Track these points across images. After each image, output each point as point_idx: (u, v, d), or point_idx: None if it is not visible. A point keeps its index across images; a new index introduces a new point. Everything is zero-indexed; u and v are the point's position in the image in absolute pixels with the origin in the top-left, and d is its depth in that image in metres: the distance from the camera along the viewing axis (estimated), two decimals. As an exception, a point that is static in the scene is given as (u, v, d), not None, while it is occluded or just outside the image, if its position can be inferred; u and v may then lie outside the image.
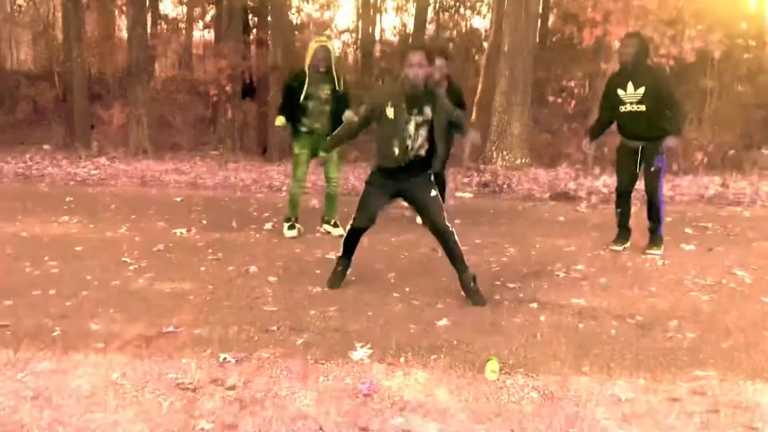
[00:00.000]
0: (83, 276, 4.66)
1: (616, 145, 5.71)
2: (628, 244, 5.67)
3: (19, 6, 19.17)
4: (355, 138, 4.70)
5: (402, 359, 3.28)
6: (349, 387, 2.97)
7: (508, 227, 6.62)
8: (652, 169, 5.37)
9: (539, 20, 13.14)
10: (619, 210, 5.70)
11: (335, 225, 6.16)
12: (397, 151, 4.12)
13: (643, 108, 5.21)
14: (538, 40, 11.58)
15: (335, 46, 16.12)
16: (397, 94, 4.12)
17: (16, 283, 4.48)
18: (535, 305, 4.15)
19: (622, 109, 5.32)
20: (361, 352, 3.34)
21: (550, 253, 5.56)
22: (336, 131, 4.68)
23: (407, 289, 4.45)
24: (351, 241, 4.48)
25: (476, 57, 16.92)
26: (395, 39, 20.19)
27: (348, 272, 4.57)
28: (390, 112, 4.09)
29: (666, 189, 9.00)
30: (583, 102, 13.28)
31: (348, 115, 5.58)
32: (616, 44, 10.07)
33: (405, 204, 4.83)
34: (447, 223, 4.21)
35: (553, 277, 4.82)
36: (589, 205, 7.90)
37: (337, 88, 5.83)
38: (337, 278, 4.50)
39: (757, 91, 12.08)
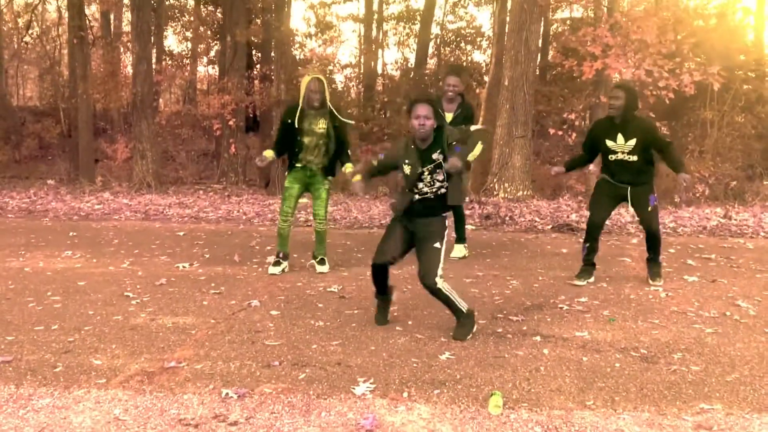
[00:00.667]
0: (86, 311, 4.66)
1: (598, 180, 5.70)
2: (591, 279, 5.62)
3: (26, 43, 19.47)
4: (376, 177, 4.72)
5: (405, 394, 3.26)
6: (352, 422, 2.95)
7: (510, 259, 6.62)
8: (649, 209, 5.42)
9: (539, 54, 13.30)
10: (588, 245, 5.60)
11: (321, 262, 6.09)
12: (400, 198, 4.29)
13: (634, 158, 5.30)
14: (538, 73, 11.70)
15: (333, 79, 16.39)
16: (410, 152, 4.19)
17: (19, 318, 4.48)
18: (538, 338, 4.13)
19: (612, 157, 5.38)
20: (363, 387, 3.32)
21: (552, 285, 5.55)
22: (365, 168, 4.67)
23: (410, 323, 4.44)
24: (376, 278, 4.34)
25: (477, 90, 17.08)
26: (397, 73, 20.41)
27: (390, 307, 4.54)
28: (407, 168, 4.20)
29: (668, 220, 9.02)
30: (584, 134, 13.38)
31: (348, 168, 5.79)
32: (616, 77, 10.18)
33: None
34: (436, 280, 4.06)
35: (557, 309, 4.81)
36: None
37: (334, 123, 5.82)
38: (380, 315, 4.45)
39: (758, 121, 12.16)
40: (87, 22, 14.82)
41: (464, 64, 20.01)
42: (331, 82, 15.70)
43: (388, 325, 4.38)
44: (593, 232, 5.58)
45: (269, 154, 5.89)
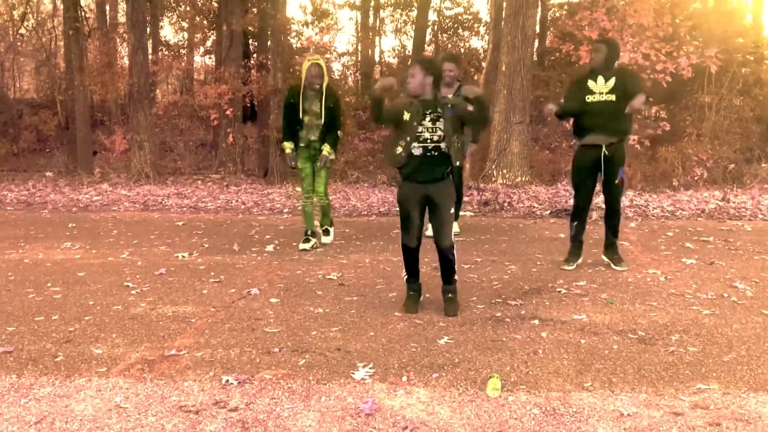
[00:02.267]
0: (86, 301, 4.68)
1: (575, 156, 5.56)
2: (579, 261, 5.64)
3: (22, 35, 19.40)
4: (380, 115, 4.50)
5: (404, 378, 3.29)
6: (351, 407, 2.98)
7: (509, 245, 6.63)
8: (617, 181, 5.34)
9: (536, 39, 13.26)
10: (575, 224, 5.60)
11: (326, 232, 6.68)
12: (400, 149, 4.23)
13: (613, 98, 5.18)
14: (535, 58, 11.68)
15: (330, 67, 16.34)
16: (411, 105, 4.25)
17: (19, 309, 4.50)
18: (536, 322, 4.15)
19: (590, 98, 5.25)
20: (362, 372, 3.35)
21: (551, 269, 5.57)
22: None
23: (409, 308, 4.45)
24: (408, 261, 4.45)
25: (475, 77, 17.04)
26: (395, 61, 20.36)
27: (421, 295, 4.54)
28: (406, 115, 4.23)
29: (666, 204, 9.04)
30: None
31: (324, 150, 6.19)
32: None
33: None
34: (453, 241, 4.29)
35: (555, 293, 4.83)
36: (589, 222, 7.90)
37: (327, 103, 6.20)
38: (411, 302, 4.44)
39: (756, 104, 12.14)
40: (82, 13, 14.73)
41: (462, 50, 19.96)
42: (329, 70, 15.65)
43: (387, 311, 4.40)
44: (581, 213, 5.60)
45: (289, 147, 6.30)
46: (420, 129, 4.20)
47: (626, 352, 3.64)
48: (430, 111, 4.22)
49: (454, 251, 4.31)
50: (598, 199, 9.26)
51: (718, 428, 2.76)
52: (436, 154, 4.21)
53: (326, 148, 6.22)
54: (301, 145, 6.28)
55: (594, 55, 5.32)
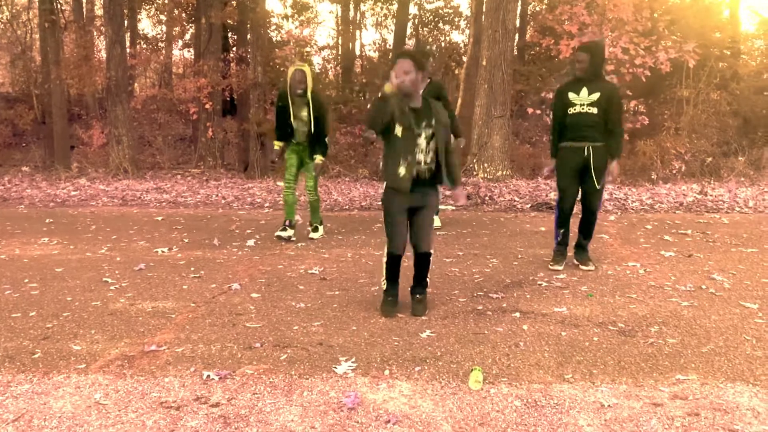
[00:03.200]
0: (64, 297, 4.62)
1: (559, 160, 5.36)
2: (565, 260, 5.52)
3: (-4, 28, 19.09)
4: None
5: (386, 372, 3.29)
6: (334, 401, 2.97)
7: (490, 238, 6.65)
8: (599, 186, 5.24)
9: (517, 34, 13.30)
10: (562, 231, 5.45)
11: (314, 229, 6.72)
12: (403, 171, 3.99)
13: (594, 110, 5.11)
14: (516, 53, 11.70)
15: (310, 60, 16.29)
16: (403, 111, 3.96)
17: (-4, 305, 4.43)
18: (517, 314, 4.17)
19: (571, 111, 5.18)
20: (345, 366, 3.34)
21: (532, 263, 5.60)
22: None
23: (391, 302, 4.45)
24: (393, 268, 4.25)
25: (456, 71, 17.06)
26: (375, 54, 20.32)
27: (396, 302, 4.31)
28: (398, 129, 3.96)
29: (645, 197, 9.12)
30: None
31: (317, 159, 6.31)
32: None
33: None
34: (431, 247, 4.20)
35: (536, 286, 4.86)
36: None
37: (313, 112, 6.25)
38: (390, 306, 4.25)
39: (732, 98, 12.28)
40: (58, 5, 14.52)
41: (442, 44, 19.96)
42: (308, 64, 15.58)
43: (369, 305, 4.40)
44: (567, 218, 5.43)
45: (278, 144, 6.45)
46: (416, 150, 3.99)
47: (606, 344, 3.67)
48: (425, 125, 3.98)
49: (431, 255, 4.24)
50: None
51: (696, 418, 2.79)
52: (427, 177, 4.07)
53: (318, 158, 6.33)
54: (292, 140, 6.38)
55: (578, 66, 5.18)
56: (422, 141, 3.99)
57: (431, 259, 4.26)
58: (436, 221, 6.91)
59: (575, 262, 5.49)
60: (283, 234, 6.45)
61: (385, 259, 4.26)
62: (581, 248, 5.49)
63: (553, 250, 5.54)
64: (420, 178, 4.04)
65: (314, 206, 6.63)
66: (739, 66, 13.15)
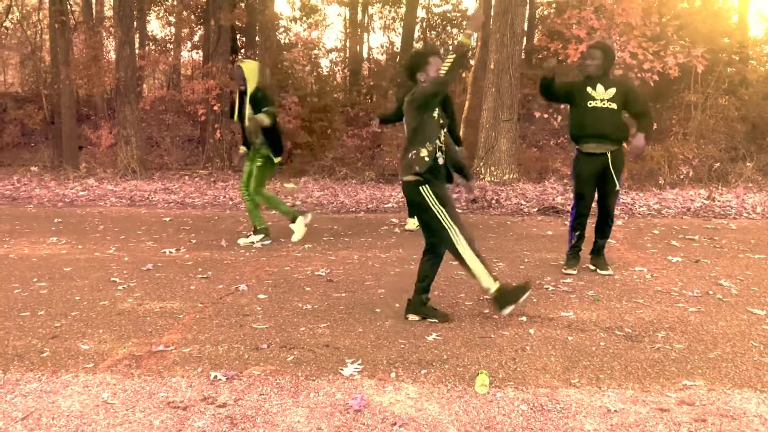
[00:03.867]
0: (72, 296, 4.65)
1: (577, 164, 5.33)
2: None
3: (6, 28, 19.19)
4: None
5: (392, 374, 3.29)
6: (340, 403, 2.98)
7: (497, 242, 6.65)
8: (617, 188, 5.24)
9: (525, 37, 13.30)
10: (577, 233, 5.44)
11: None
12: (425, 152, 3.96)
13: (614, 106, 5.08)
14: (524, 57, 11.71)
15: (318, 63, 16.31)
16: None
17: (5, 304, 4.46)
18: (524, 318, 4.17)
19: (591, 104, 5.12)
20: (351, 368, 3.35)
21: (538, 267, 5.60)
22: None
23: (397, 305, 4.46)
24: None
25: (463, 74, 17.06)
26: (383, 57, 20.34)
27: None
28: (435, 112, 4.01)
29: (653, 202, 9.10)
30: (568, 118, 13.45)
31: (241, 150, 6.59)
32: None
33: (394, 221, 4.85)
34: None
35: (542, 290, 4.85)
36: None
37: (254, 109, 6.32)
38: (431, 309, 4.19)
39: (741, 104, 12.25)
40: (68, 6, 14.61)
41: (449, 47, 19.95)
42: (316, 67, 15.61)
43: (376, 308, 4.40)
44: (584, 222, 5.40)
45: (243, 149, 6.70)
46: (441, 136, 4.03)
47: (613, 348, 3.66)
48: (441, 114, 4.08)
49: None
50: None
51: (703, 424, 2.78)
52: (441, 163, 4.07)
53: (242, 149, 6.70)
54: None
55: (590, 62, 5.15)
56: (443, 129, 4.08)
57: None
58: (412, 224, 6.95)
59: (592, 267, 5.46)
60: (254, 240, 6.54)
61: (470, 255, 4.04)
62: (598, 252, 5.47)
63: (567, 254, 5.53)
64: (440, 168, 4.04)
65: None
66: (747, 71, 13.11)
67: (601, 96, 5.12)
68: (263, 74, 6.29)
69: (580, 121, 5.21)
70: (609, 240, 6.64)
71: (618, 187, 5.25)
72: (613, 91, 5.11)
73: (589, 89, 5.17)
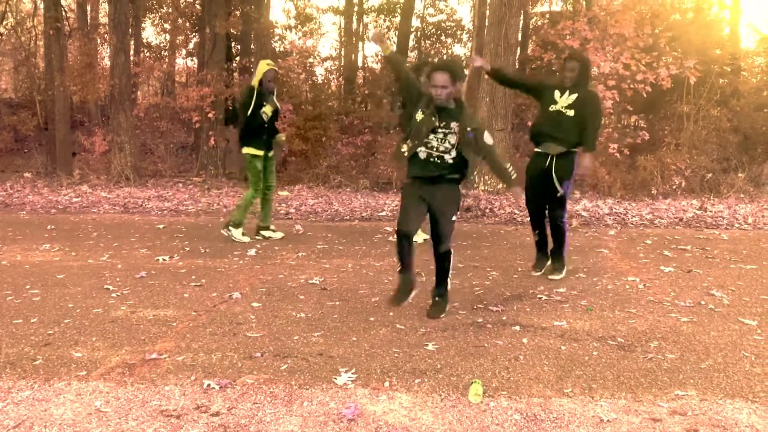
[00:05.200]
0: (65, 304, 4.63)
1: (527, 164, 5.62)
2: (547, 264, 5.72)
3: (0, 34, 19.16)
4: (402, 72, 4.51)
5: (386, 383, 3.30)
6: (334, 412, 2.98)
7: (490, 251, 6.67)
8: (558, 194, 5.36)
9: (519, 48, 13.36)
10: (537, 231, 5.67)
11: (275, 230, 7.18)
12: (405, 148, 4.26)
13: (571, 113, 5.23)
14: (517, 67, 11.76)
15: (313, 71, 16.37)
16: (429, 103, 4.20)
17: (-3, 311, 4.44)
18: (517, 328, 4.18)
19: (552, 108, 5.30)
20: (345, 377, 3.35)
21: (532, 276, 5.61)
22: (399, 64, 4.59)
23: (391, 314, 4.47)
24: (401, 249, 4.29)
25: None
26: (377, 66, 20.39)
27: (412, 292, 4.40)
28: (419, 115, 4.22)
29: (645, 212, 9.14)
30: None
31: (282, 136, 6.91)
32: (595, 71, 10.27)
33: (389, 229, 4.87)
34: (449, 246, 4.37)
35: (535, 300, 4.87)
36: (569, 229, 7.98)
37: (278, 105, 6.86)
38: (399, 294, 4.38)
39: (733, 115, 12.33)
40: (63, 12, 14.60)
41: (444, 57, 20.04)
42: (311, 75, 15.62)
43: (369, 316, 4.41)
44: (534, 220, 5.68)
45: (258, 152, 6.88)
46: (429, 138, 4.20)
47: (606, 358, 3.68)
48: (444, 125, 4.18)
49: (451, 257, 4.41)
50: (578, 206, 9.36)
51: (695, 434, 2.80)
52: (438, 161, 4.22)
53: (282, 136, 7.06)
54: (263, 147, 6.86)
55: (568, 75, 5.29)
56: (439, 133, 4.19)
57: (450, 262, 4.40)
58: (421, 236, 6.90)
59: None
60: (244, 239, 6.93)
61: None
62: (552, 255, 5.66)
63: (536, 255, 5.79)
64: (431, 160, 4.21)
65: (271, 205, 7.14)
66: (739, 83, 13.20)
67: (564, 102, 5.28)
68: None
69: (538, 124, 5.48)
70: (602, 249, 6.68)
71: (559, 194, 5.38)
72: (574, 97, 5.25)
73: (556, 93, 5.34)
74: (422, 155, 4.22)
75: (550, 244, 5.66)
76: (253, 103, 6.62)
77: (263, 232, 7.11)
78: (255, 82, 6.68)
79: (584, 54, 5.68)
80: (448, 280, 4.48)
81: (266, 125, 6.73)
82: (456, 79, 4.14)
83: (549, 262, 5.66)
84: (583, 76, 5.30)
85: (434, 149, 4.20)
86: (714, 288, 5.23)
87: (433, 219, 4.34)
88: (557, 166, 5.33)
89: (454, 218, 4.34)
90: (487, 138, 4.24)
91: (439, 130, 4.18)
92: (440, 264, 4.42)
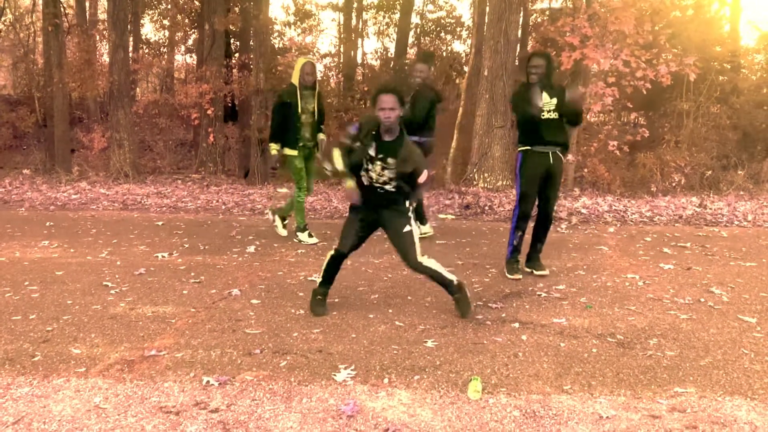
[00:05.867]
0: (64, 300, 4.63)
1: (524, 164, 5.44)
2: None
3: None
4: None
5: (385, 380, 3.29)
6: (333, 408, 2.98)
7: (489, 248, 6.67)
8: (559, 192, 5.52)
9: (519, 44, 13.35)
10: (519, 234, 5.58)
11: (303, 228, 6.83)
12: (334, 166, 4.29)
13: (556, 116, 5.31)
14: (517, 63, 11.74)
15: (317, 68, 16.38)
16: (371, 133, 4.17)
17: (-4, 308, 4.44)
18: (517, 325, 4.18)
19: (543, 116, 5.31)
20: (344, 374, 3.35)
21: (531, 273, 5.60)
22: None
23: (390, 311, 4.47)
24: (333, 267, 4.42)
25: (457, 80, 17.11)
26: (377, 63, 20.37)
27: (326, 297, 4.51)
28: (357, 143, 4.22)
29: (645, 209, 9.14)
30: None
31: (321, 136, 6.52)
32: (594, 68, 10.26)
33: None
34: (418, 259, 4.23)
35: (535, 297, 4.87)
36: (569, 226, 7.98)
37: (320, 101, 6.58)
38: (320, 306, 4.43)
39: (732, 112, 12.32)
40: (62, 9, 14.57)
41: (444, 53, 20.02)
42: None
43: (369, 313, 4.41)
44: (527, 219, 5.55)
45: (275, 148, 6.54)
46: (370, 169, 4.18)
47: (605, 355, 3.68)
48: (381, 157, 4.13)
49: (431, 267, 4.27)
50: (578, 203, 9.35)
51: (694, 431, 2.80)
52: (381, 191, 4.22)
53: (322, 135, 6.69)
54: (300, 144, 6.51)
55: (534, 70, 5.30)
56: (377, 166, 4.15)
57: (429, 265, 4.29)
58: (427, 228, 7.02)
59: (527, 269, 5.62)
60: (315, 240, 6.76)
61: (326, 259, 4.42)
62: (537, 253, 5.64)
63: (508, 260, 5.59)
64: (372, 190, 4.22)
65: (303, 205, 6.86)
66: (739, 80, 13.19)
67: (548, 106, 5.31)
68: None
69: (533, 130, 5.36)
70: (601, 247, 6.69)
71: (559, 192, 5.57)
72: (555, 101, 5.30)
73: (544, 95, 5.32)
74: (365, 181, 4.22)
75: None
76: (298, 102, 6.38)
77: (278, 221, 7.04)
78: (295, 79, 6.39)
79: (547, 52, 5.73)
80: (451, 280, 4.32)
81: (300, 124, 6.45)
82: (401, 102, 4.10)
83: (531, 263, 5.63)
84: (551, 71, 5.34)
85: (374, 180, 4.19)
86: (713, 285, 5.23)
87: (388, 235, 4.35)
88: (555, 163, 5.37)
89: (407, 228, 4.23)
90: (422, 177, 4.14)
91: (377, 162, 4.14)
92: (428, 276, 4.35)
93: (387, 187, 4.19)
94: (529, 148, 5.37)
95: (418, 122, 6.41)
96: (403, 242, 4.24)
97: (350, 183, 4.27)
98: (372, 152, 4.14)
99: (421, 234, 6.87)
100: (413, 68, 6.76)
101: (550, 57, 5.44)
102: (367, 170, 4.20)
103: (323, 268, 4.42)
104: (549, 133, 5.35)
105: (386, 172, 4.14)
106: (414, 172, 4.12)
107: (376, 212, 4.29)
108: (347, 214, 4.43)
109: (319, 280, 4.48)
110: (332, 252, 4.38)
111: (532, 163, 5.38)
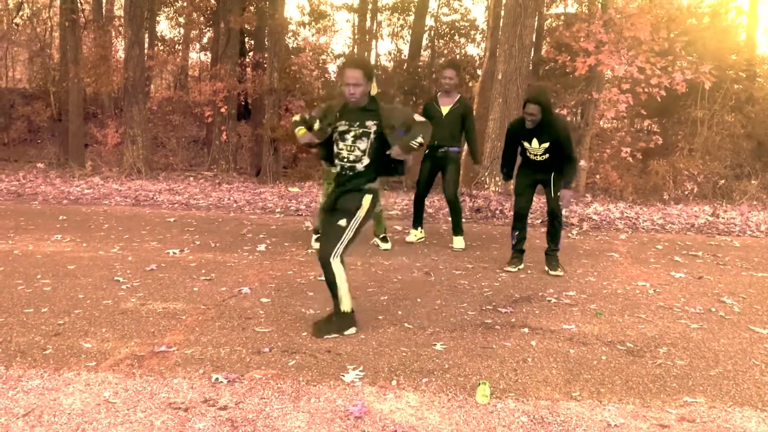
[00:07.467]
0: (75, 294, 4.66)
1: (517, 170, 5.94)
2: (521, 266, 5.89)
3: (17, 25, 19.28)
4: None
5: (394, 382, 3.30)
6: (341, 409, 2.98)
7: (500, 252, 6.65)
8: (558, 194, 5.63)
9: (533, 49, 13.32)
10: (516, 233, 5.92)
11: (384, 239, 6.62)
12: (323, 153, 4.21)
13: (547, 156, 5.57)
14: (531, 68, 11.73)
15: (326, 68, 16.39)
16: (331, 109, 4.07)
17: (8, 300, 4.47)
18: (526, 330, 4.17)
19: (531, 156, 5.67)
20: (352, 375, 3.35)
21: (541, 278, 5.60)
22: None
23: (399, 313, 4.47)
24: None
25: (470, 84, 17.08)
26: (390, 65, 20.37)
27: None
28: (317, 125, 4.11)
29: (657, 217, 9.09)
30: (576, 129, 13.46)
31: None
32: (608, 74, 10.23)
33: (398, 228, 4.85)
34: (332, 255, 3.93)
35: (545, 302, 4.86)
36: (580, 232, 7.96)
37: None
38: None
39: (747, 121, 12.25)
40: (79, 4, 14.68)
41: (458, 57, 19.99)
42: (324, 72, 15.66)
43: (378, 315, 4.41)
44: (519, 219, 5.89)
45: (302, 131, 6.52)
46: (341, 146, 4.01)
47: (614, 363, 3.66)
48: (357, 125, 3.96)
49: (335, 272, 3.93)
50: (590, 210, 9.32)
51: (703, 441, 2.78)
52: (351, 173, 4.02)
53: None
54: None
55: (530, 119, 5.40)
56: (348, 139, 3.99)
57: (335, 271, 3.97)
58: (461, 243, 6.82)
59: (546, 269, 5.84)
60: (390, 245, 6.64)
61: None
62: (550, 255, 5.86)
63: (513, 256, 6.01)
64: (342, 174, 4.06)
65: (380, 216, 6.65)
66: (754, 89, 13.10)
67: (535, 151, 5.60)
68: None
69: (523, 160, 5.81)
70: (612, 254, 6.66)
71: (558, 194, 5.65)
72: (546, 145, 5.52)
73: (525, 144, 5.65)
74: (336, 166, 4.09)
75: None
76: None
77: (379, 241, 6.66)
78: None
79: (543, 91, 5.88)
80: (341, 298, 3.98)
81: None
82: (369, 76, 3.90)
83: (546, 260, 5.87)
84: (545, 114, 5.38)
85: (345, 160, 4.00)
86: (725, 295, 5.20)
87: (327, 220, 4.14)
88: (553, 178, 5.69)
89: (342, 222, 3.91)
90: (417, 141, 3.92)
91: (348, 136, 3.98)
92: (325, 274, 4.00)
93: (357, 166, 3.98)
94: (521, 167, 5.87)
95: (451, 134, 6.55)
96: (331, 233, 3.96)
97: (301, 130, 4.10)
98: (344, 127, 3.97)
99: (416, 239, 6.87)
100: (442, 73, 6.69)
101: (546, 102, 5.43)
102: (338, 153, 4.02)
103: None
104: (539, 168, 5.70)
105: (359, 143, 3.94)
106: (407, 132, 3.90)
107: (339, 194, 4.04)
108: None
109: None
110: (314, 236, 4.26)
111: (523, 173, 5.85)
